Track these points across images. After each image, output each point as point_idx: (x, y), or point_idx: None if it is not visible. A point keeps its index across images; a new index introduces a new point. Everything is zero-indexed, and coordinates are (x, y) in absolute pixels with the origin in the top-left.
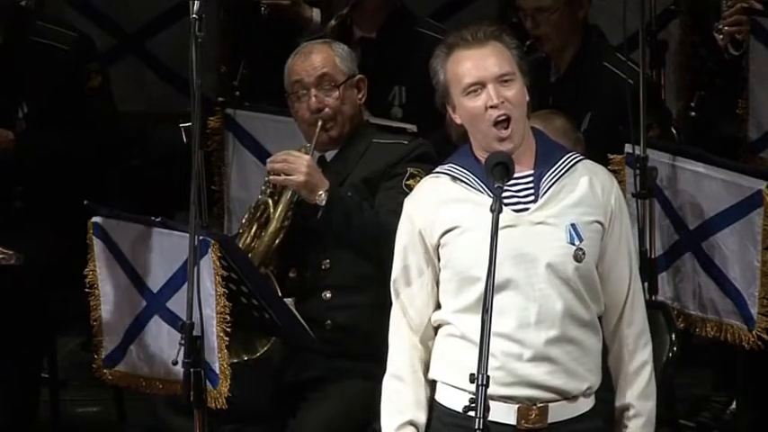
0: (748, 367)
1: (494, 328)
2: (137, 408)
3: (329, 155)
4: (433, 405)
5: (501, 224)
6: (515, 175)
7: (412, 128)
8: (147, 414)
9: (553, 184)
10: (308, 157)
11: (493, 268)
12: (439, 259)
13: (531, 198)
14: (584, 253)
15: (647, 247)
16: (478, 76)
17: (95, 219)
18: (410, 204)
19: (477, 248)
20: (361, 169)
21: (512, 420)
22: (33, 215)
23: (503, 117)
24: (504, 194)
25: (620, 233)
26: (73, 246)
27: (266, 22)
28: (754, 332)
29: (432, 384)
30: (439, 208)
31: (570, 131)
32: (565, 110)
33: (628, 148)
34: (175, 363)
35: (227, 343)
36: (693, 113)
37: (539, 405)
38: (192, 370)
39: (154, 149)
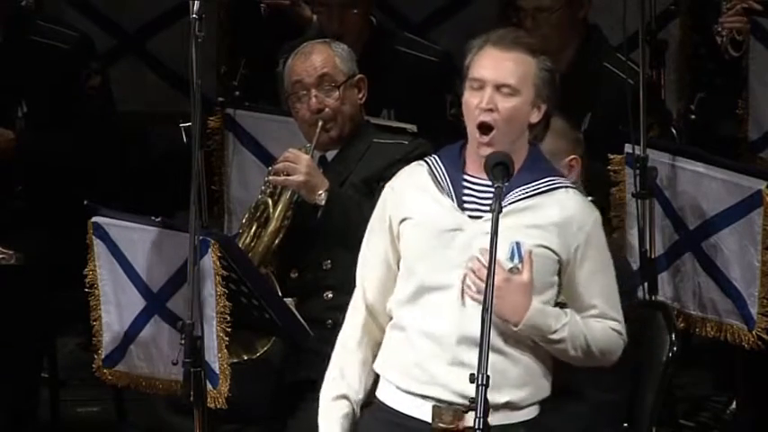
0: (748, 367)
1: (423, 326)
2: (137, 408)
3: (330, 155)
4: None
5: (450, 225)
6: (486, 182)
7: (412, 128)
8: (147, 414)
9: (519, 199)
10: (307, 156)
11: (493, 268)
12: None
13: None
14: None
15: (647, 247)
16: (483, 74)
17: (95, 219)
18: (387, 188)
19: (419, 242)
20: (361, 169)
21: (427, 418)
22: (33, 215)
23: (486, 123)
24: (466, 197)
25: (591, 269)
26: (73, 246)
27: (266, 22)
28: (754, 332)
29: (375, 376)
30: (405, 195)
31: (570, 132)
32: (565, 110)
33: (628, 148)
34: (175, 363)
35: (227, 343)
36: (693, 116)
37: (453, 408)
38: (192, 370)
39: (154, 149)
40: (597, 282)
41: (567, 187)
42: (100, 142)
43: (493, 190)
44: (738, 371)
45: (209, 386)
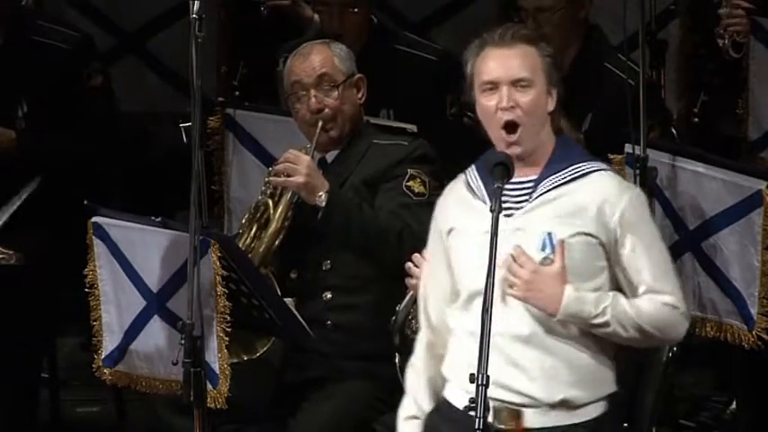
0: (748, 367)
1: (474, 330)
2: (137, 408)
3: (330, 156)
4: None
5: (485, 229)
6: (517, 180)
7: (412, 128)
8: (147, 414)
9: (549, 190)
10: (307, 158)
11: (493, 268)
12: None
13: (524, 203)
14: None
15: None
16: (495, 75)
17: (95, 219)
18: (437, 203)
19: (463, 250)
20: (361, 170)
21: (489, 418)
22: (33, 215)
23: (511, 122)
24: (502, 198)
25: (634, 247)
26: (73, 246)
27: (266, 22)
28: (753, 332)
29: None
30: (448, 208)
31: (570, 132)
32: (565, 110)
33: (628, 148)
34: (175, 363)
35: (227, 343)
36: (697, 119)
37: (513, 407)
38: (192, 370)
39: (154, 149)
40: (643, 258)
41: (599, 170)
42: (100, 142)
43: (530, 185)
44: (738, 371)
45: (209, 386)
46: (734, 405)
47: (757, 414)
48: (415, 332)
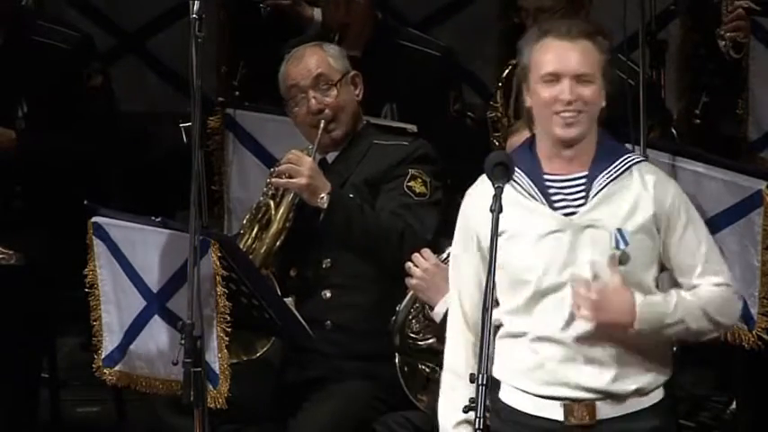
0: (748, 367)
1: (537, 331)
2: (137, 408)
3: (330, 156)
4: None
5: (549, 228)
6: (568, 177)
7: (412, 128)
8: (147, 414)
9: (605, 186)
10: (309, 159)
11: (493, 268)
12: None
13: (582, 201)
14: (628, 258)
15: None
16: (558, 68)
17: (95, 219)
18: (467, 200)
19: (526, 254)
20: (362, 170)
21: (560, 417)
22: (33, 215)
23: (571, 115)
24: (555, 197)
25: (684, 228)
26: (73, 246)
27: (266, 22)
28: (754, 332)
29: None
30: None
31: None
32: None
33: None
34: (175, 363)
35: (227, 343)
36: (698, 120)
37: (585, 403)
38: (192, 370)
39: (154, 149)
40: (691, 242)
41: (640, 161)
42: (100, 142)
43: (583, 181)
44: (738, 371)
45: (209, 386)
46: (734, 405)
47: (757, 414)
48: (416, 332)
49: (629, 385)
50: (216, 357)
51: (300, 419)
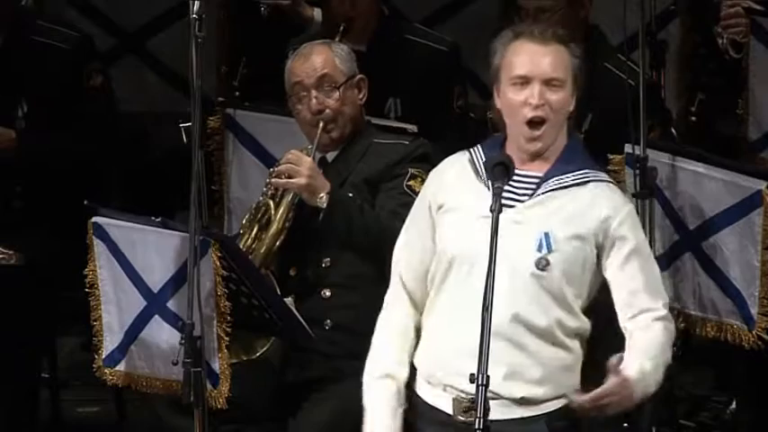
0: (748, 367)
1: (444, 314)
2: (137, 408)
3: (330, 155)
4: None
5: (481, 213)
6: (523, 173)
7: (412, 128)
8: (147, 414)
9: (553, 189)
10: (309, 159)
11: (493, 268)
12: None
13: (526, 198)
14: (548, 263)
15: None
16: (529, 71)
17: (95, 219)
18: (431, 174)
19: (452, 228)
20: (361, 169)
21: (448, 410)
22: (33, 215)
23: (538, 119)
24: (505, 188)
25: (627, 256)
26: (73, 246)
27: (266, 22)
28: (754, 332)
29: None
30: (444, 184)
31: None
32: None
33: (628, 148)
34: (175, 363)
35: (227, 343)
36: (694, 118)
37: (471, 399)
38: (192, 370)
39: (154, 149)
40: (632, 271)
41: (601, 181)
42: (100, 142)
43: (536, 180)
44: (738, 371)
45: (209, 386)
46: (734, 405)
47: (757, 414)
48: None
49: (517, 392)
50: (216, 357)
51: (300, 419)
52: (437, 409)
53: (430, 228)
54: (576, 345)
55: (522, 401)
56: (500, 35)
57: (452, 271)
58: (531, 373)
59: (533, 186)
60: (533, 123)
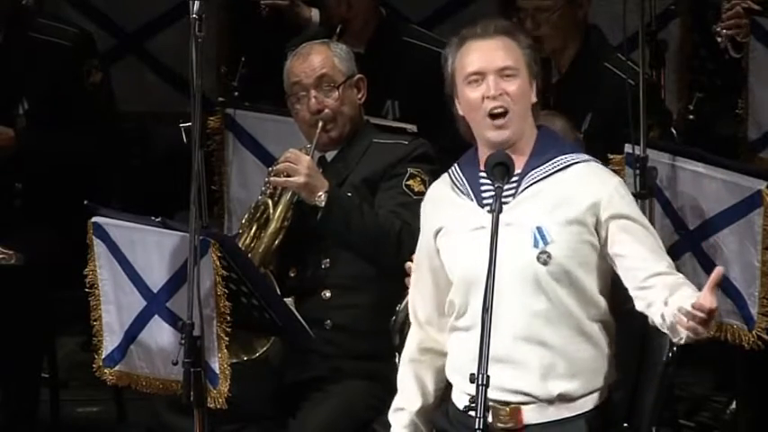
0: (748, 367)
1: (464, 329)
2: (137, 408)
3: (329, 154)
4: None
5: (475, 225)
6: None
7: (412, 128)
8: (147, 414)
9: (533, 183)
10: (308, 158)
11: (493, 268)
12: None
13: (510, 197)
14: (549, 256)
15: None
16: (480, 66)
17: (95, 219)
18: (422, 207)
19: (455, 249)
20: (361, 169)
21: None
22: (33, 214)
23: (499, 110)
24: (486, 194)
25: (625, 228)
26: (73, 246)
27: (266, 22)
28: (754, 332)
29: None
30: (435, 208)
31: (570, 132)
32: (565, 110)
33: (628, 148)
34: (175, 363)
35: (227, 343)
36: (692, 116)
37: (510, 407)
38: (192, 370)
39: (154, 149)
40: (639, 243)
41: (582, 161)
42: (100, 138)
43: (515, 180)
44: (738, 371)
45: (209, 386)
46: (734, 405)
47: (757, 414)
48: None
49: (554, 388)
50: (216, 357)
51: (300, 419)
52: (470, 416)
53: (437, 256)
54: (600, 335)
55: (560, 398)
56: (447, 45)
57: (464, 288)
58: (562, 369)
59: (514, 185)
60: (495, 116)
